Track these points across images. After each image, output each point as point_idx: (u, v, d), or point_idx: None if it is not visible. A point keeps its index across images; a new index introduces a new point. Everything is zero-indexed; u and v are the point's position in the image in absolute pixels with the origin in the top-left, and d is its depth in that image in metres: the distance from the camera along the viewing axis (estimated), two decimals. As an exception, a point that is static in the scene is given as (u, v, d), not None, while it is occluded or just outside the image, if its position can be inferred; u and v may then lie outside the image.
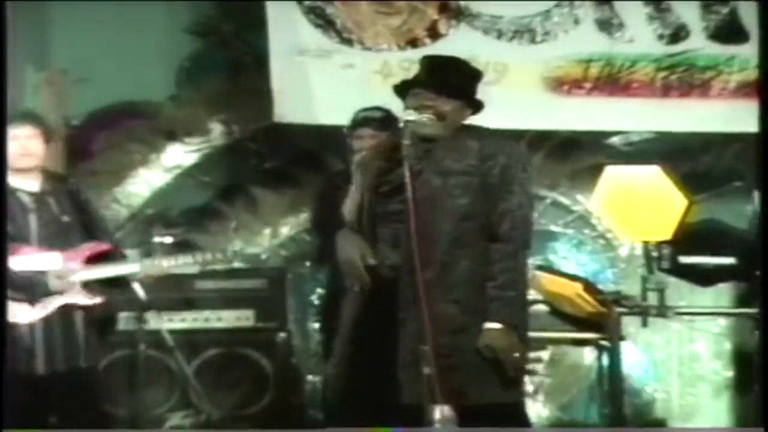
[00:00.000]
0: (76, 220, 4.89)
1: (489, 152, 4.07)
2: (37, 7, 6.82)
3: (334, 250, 4.22)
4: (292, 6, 6.73)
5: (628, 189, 5.64)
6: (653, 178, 5.60)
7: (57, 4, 7.09)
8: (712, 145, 6.92)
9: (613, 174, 5.72)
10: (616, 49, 6.70)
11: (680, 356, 6.99)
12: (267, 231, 7.14)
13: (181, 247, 6.30)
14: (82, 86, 6.88)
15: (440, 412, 3.81)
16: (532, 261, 5.47)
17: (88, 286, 4.82)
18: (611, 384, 5.49)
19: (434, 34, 6.75)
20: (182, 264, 5.03)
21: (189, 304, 6.30)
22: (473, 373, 3.97)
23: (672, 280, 5.67)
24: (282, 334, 6.37)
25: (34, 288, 4.70)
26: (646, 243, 5.60)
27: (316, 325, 6.54)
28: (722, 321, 6.76)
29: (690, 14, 6.68)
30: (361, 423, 3.94)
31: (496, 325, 3.97)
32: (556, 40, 6.72)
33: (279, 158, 7.22)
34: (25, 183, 4.85)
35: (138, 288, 5.22)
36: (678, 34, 6.70)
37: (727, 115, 6.61)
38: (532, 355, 5.23)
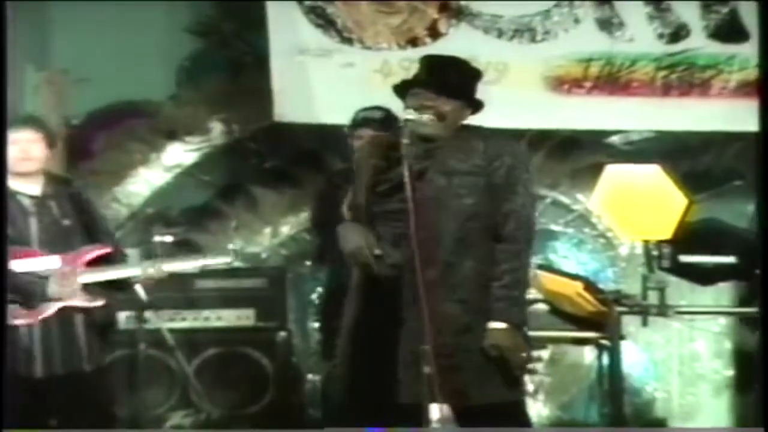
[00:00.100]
0: (77, 224, 4.84)
1: (494, 153, 4.07)
2: (37, 7, 6.82)
3: (337, 244, 4.18)
4: (292, 6, 6.73)
5: (628, 188, 5.64)
6: (653, 177, 5.60)
7: (57, 4, 7.09)
8: (712, 145, 6.92)
9: (613, 173, 5.72)
10: (617, 48, 6.71)
11: (680, 355, 6.98)
12: (267, 230, 7.13)
13: (181, 246, 6.32)
14: (82, 86, 6.88)
15: (439, 411, 3.81)
16: (533, 260, 5.46)
17: (89, 289, 4.80)
18: (611, 383, 5.48)
19: (434, 33, 6.76)
20: (184, 267, 5.00)
21: (189, 303, 6.31)
22: (475, 372, 3.97)
23: (672, 279, 5.67)
24: (282, 334, 6.36)
25: (34, 292, 4.68)
26: (646, 242, 5.60)
27: (316, 325, 6.54)
28: (722, 320, 6.76)
29: (690, 13, 6.69)
30: (361, 422, 3.93)
31: (502, 325, 3.97)
32: (556, 39, 6.73)
33: (279, 158, 7.21)
34: (26, 186, 4.80)
35: (139, 289, 5.22)
36: (678, 33, 6.70)
37: (727, 115, 6.62)
38: (533, 354, 5.23)
